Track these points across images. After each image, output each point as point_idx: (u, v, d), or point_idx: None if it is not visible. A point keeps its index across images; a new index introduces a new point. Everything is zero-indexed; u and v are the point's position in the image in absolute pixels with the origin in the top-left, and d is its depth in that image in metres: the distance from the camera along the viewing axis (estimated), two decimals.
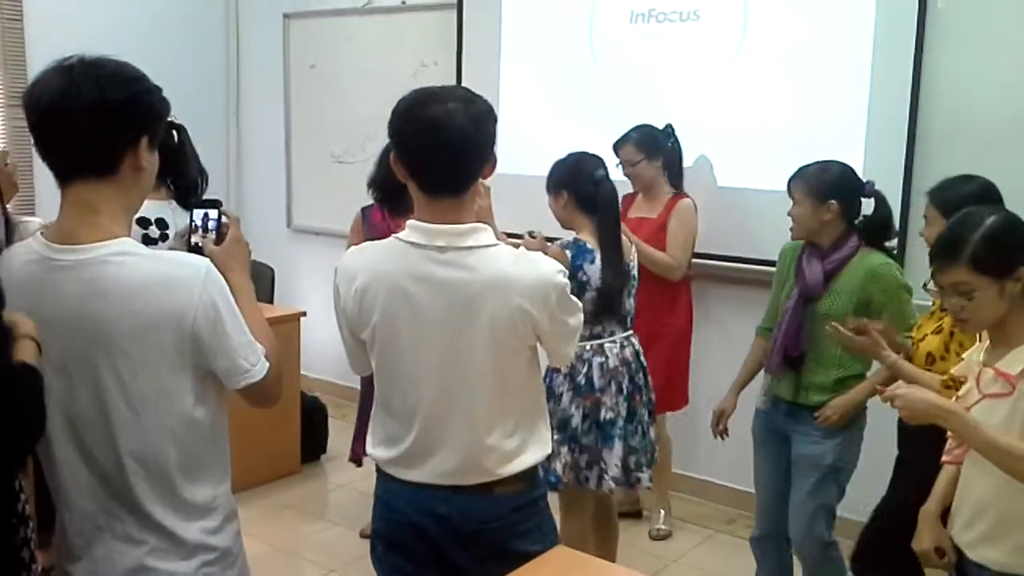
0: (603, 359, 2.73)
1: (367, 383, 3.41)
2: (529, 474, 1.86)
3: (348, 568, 3.47)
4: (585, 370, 2.71)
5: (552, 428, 2.46)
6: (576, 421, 2.70)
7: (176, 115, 5.36)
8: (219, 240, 1.69)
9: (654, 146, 3.49)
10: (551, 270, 1.77)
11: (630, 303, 2.84)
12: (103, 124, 1.44)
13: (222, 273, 1.53)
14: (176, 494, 1.52)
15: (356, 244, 3.44)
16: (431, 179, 1.73)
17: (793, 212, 2.62)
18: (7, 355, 1.40)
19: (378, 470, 1.93)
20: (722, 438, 2.90)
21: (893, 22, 3.36)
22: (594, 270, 2.68)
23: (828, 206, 2.56)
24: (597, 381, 2.71)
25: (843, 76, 3.49)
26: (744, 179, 3.72)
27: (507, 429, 1.80)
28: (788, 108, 3.61)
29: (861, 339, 2.35)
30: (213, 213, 1.71)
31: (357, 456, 3.78)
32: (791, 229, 2.66)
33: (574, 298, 1.83)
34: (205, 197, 1.72)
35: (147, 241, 2.70)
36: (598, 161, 2.79)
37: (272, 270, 4.58)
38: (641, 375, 2.82)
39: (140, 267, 1.45)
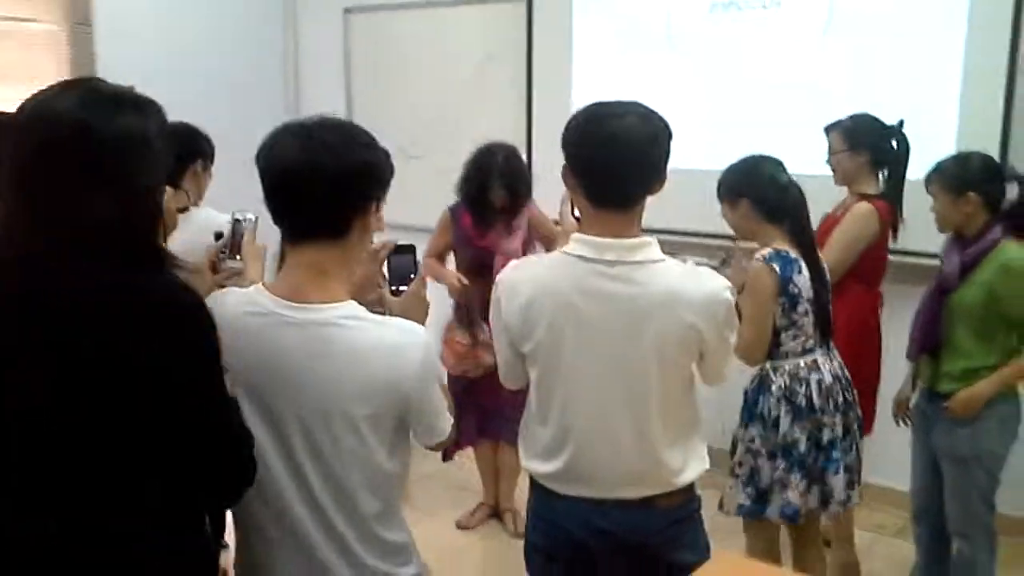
0: (820, 376, 2.51)
1: (454, 380, 3.44)
2: (690, 489, 1.87)
3: (449, 558, 3.49)
4: (804, 390, 2.49)
5: (763, 455, 2.50)
6: (802, 445, 2.49)
7: (235, 113, 5.46)
8: (397, 291, 1.70)
9: (863, 138, 3.07)
10: (720, 286, 1.77)
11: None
12: (341, 190, 1.47)
13: None
14: (377, 538, 1.54)
15: (442, 243, 3.56)
16: (603, 193, 1.73)
17: (934, 208, 2.62)
18: (239, 417, 1.42)
19: (533, 482, 1.94)
20: (905, 423, 2.93)
21: (990, 9, 3.31)
22: (803, 280, 2.46)
23: (967, 198, 2.54)
24: (817, 400, 2.49)
25: (934, 55, 3.45)
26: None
27: (670, 444, 1.81)
28: (877, 92, 3.54)
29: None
30: (406, 260, 1.71)
31: (448, 453, 3.80)
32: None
33: (735, 317, 1.83)
34: (401, 242, 1.70)
35: None
36: (778, 164, 2.56)
37: None
38: (850, 389, 2.61)
39: (368, 332, 1.48)
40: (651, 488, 1.81)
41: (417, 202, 4.81)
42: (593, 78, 4.28)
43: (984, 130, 3.34)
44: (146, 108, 1.35)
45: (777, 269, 2.42)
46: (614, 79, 4.22)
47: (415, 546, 1.65)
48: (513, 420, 2.65)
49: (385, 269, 1.71)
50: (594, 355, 1.75)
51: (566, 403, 1.80)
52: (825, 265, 2.60)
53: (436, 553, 3.43)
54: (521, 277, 1.82)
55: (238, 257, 1.86)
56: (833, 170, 3.16)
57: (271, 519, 1.51)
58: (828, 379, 2.51)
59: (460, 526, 3.71)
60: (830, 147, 3.14)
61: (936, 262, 2.79)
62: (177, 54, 4.84)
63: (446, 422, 1.59)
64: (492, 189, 3.38)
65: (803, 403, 2.48)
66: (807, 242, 2.52)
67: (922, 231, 2.97)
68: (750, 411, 2.55)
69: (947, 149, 3.39)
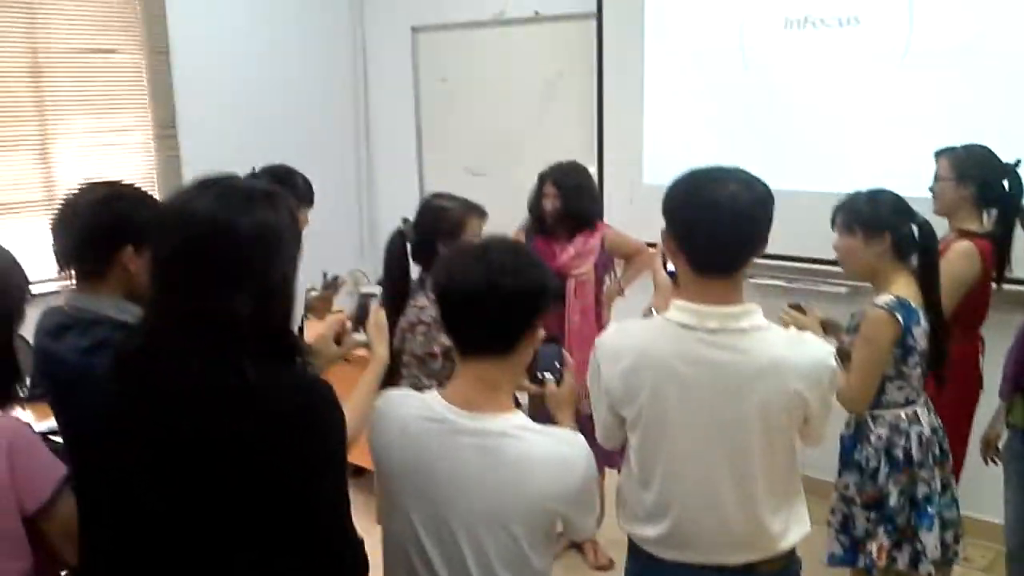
0: (920, 429, 2.44)
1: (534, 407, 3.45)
2: (792, 554, 1.86)
3: None
4: (903, 442, 2.43)
5: (857, 504, 2.47)
6: (893, 499, 2.43)
7: (306, 132, 5.54)
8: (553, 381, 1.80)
9: (972, 170, 2.92)
10: (825, 353, 1.76)
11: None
12: (517, 311, 1.55)
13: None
14: None
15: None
16: (706, 260, 1.73)
17: None
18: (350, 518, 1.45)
19: (632, 545, 1.94)
20: (994, 462, 2.87)
21: None
22: (920, 332, 2.38)
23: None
24: (916, 453, 2.42)
25: (1018, 77, 3.34)
26: (914, 188, 3.61)
27: (774, 509, 1.80)
28: (959, 112, 3.46)
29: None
30: (551, 350, 1.78)
31: None
32: None
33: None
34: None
35: None
36: (905, 204, 2.46)
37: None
38: (945, 440, 2.53)
39: (538, 443, 1.55)
40: (754, 554, 1.81)
41: (490, 220, 4.85)
42: (665, 97, 4.26)
43: None
44: (277, 202, 1.39)
45: (900, 320, 2.34)
46: (687, 96, 4.19)
47: None
48: (600, 454, 2.67)
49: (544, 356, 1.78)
50: (698, 422, 1.75)
51: (669, 469, 1.80)
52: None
53: None
54: (623, 344, 1.82)
55: (361, 330, 1.96)
56: (935, 197, 3.01)
57: None
58: (927, 432, 2.45)
59: None
60: (936, 173, 3.00)
61: None
62: (249, 78, 4.94)
63: (594, 522, 1.67)
64: (543, 191, 3.41)
65: (901, 456, 2.43)
66: (935, 291, 2.43)
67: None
68: (847, 458, 2.50)
69: None
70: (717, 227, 1.69)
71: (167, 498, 1.32)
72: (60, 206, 1.90)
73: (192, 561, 1.34)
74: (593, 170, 4.41)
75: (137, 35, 4.48)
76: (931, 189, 3.00)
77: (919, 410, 2.46)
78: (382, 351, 1.92)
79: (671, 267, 1.92)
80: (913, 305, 2.37)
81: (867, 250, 2.42)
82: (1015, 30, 3.34)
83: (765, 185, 1.74)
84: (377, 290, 2.13)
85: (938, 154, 3.02)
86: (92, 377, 1.47)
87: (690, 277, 1.76)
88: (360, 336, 1.95)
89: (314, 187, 5.26)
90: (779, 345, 1.73)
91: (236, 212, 1.33)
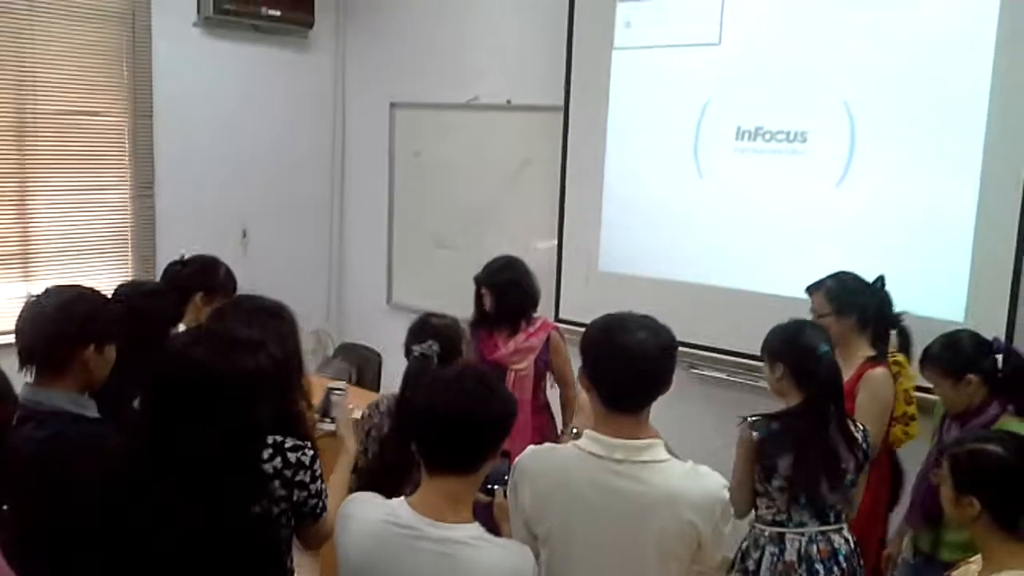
0: (777, 550, 2.53)
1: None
2: None
3: None
4: (756, 556, 2.55)
5: None
6: None
7: (283, 195, 5.68)
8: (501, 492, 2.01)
9: (848, 299, 3.01)
10: (717, 486, 1.92)
11: (836, 495, 2.55)
12: (487, 436, 1.75)
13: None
14: None
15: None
16: (615, 398, 1.90)
17: (937, 393, 2.69)
18: None
19: None
20: None
21: (1002, 151, 3.42)
22: (784, 461, 2.49)
23: (967, 380, 2.61)
24: (764, 572, 2.53)
25: (948, 206, 3.56)
26: None
27: None
28: (890, 235, 3.69)
29: None
30: (503, 464, 1.96)
31: None
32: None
33: (731, 509, 1.97)
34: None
35: None
36: (821, 334, 2.60)
37: (380, 357, 4.78)
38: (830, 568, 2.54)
39: (492, 553, 1.73)
40: None
41: (444, 292, 5.01)
42: (625, 189, 4.46)
43: (995, 287, 3.46)
44: (259, 350, 1.65)
45: (755, 439, 2.51)
46: (645, 193, 4.39)
47: None
48: None
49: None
50: (600, 544, 1.91)
51: None
52: (860, 435, 2.59)
53: None
54: (538, 467, 1.98)
55: (328, 420, 2.30)
56: None
57: None
58: (790, 557, 2.51)
59: None
60: (813, 309, 3.05)
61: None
62: (227, 143, 5.13)
63: None
64: (481, 295, 3.54)
65: (752, 568, 2.55)
66: (829, 417, 2.53)
67: None
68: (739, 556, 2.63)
69: (958, 303, 3.55)
70: (625, 371, 1.88)
71: None
72: (25, 308, 2.05)
73: None
74: (554, 254, 4.65)
75: (123, 99, 4.66)
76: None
77: (789, 534, 2.53)
78: (351, 444, 2.23)
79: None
80: (780, 433, 2.50)
81: (771, 375, 2.61)
82: (946, 167, 3.56)
83: (670, 333, 1.93)
84: (343, 386, 2.42)
85: (809, 290, 3.08)
86: (51, 466, 1.68)
87: (601, 411, 1.93)
88: (327, 425, 2.29)
89: (288, 250, 5.46)
90: (676, 477, 1.89)
91: (223, 361, 1.58)
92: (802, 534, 2.53)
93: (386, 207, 5.52)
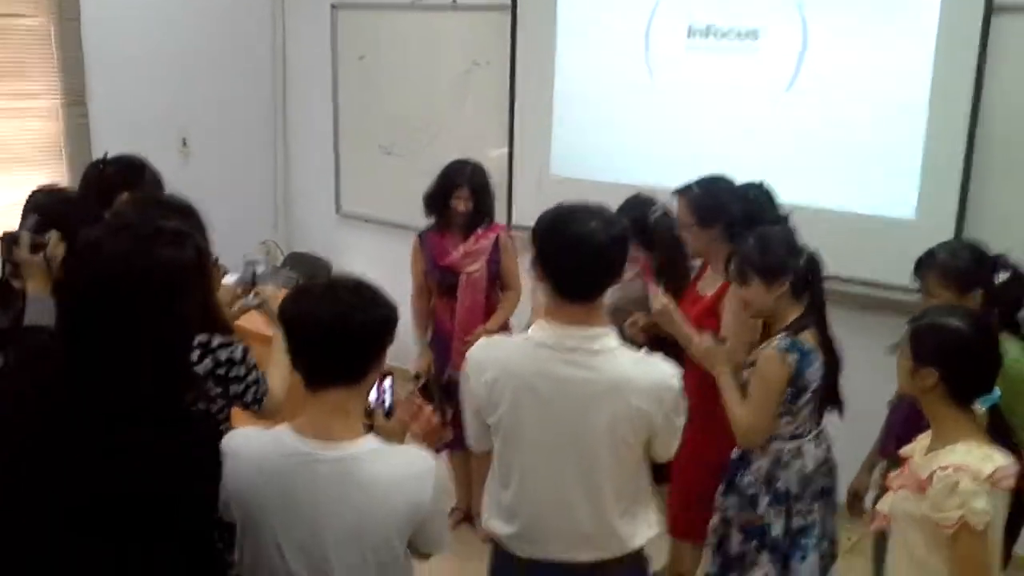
0: (802, 463, 2.45)
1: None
2: (639, 553, 2.05)
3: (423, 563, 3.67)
4: (783, 474, 2.45)
5: (734, 527, 2.52)
6: (776, 529, 2.46)
7: (222, 107, 5.51)
8: (388, 414, 1.91)
9: (712, 211, 2.71)
10: (667, 374, 1.93)
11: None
12: (367, 342, 1.65)
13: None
14: None
15: (419, 272, 3.68)
16: (567, 287, 1.88)
17: (928, 301, 2.43)
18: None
19: (493, 543, 2.10)
20: (860, 516, 2.81)
21: (953, 52, 3.42)
22: (815, 373, 2.39)
23: (972, 296, 2.38)
24: (795, 487, 2.44)
25: (900, 107, 3.56)
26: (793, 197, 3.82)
27: (621, 513, 1.97)
28: (842, 136, 3.69)
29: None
30: (387, 383, 1.90)
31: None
32: None
33: (684, 401, 1.97)
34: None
35: None
36: (794, 240, 2.50)
37: (330, 265, 4.71)
38: (831, 475, 2.54)
39: (391, 463, 1.66)
40: (603, 553, 1.98)
41: (393, 199, 4.95)
42: (575, 90, 4.38)
43: (944, 183, 3.49)
44: (184, 241, 1.53)
45: (791, 363, 2.35)
46: (595, 93, 4.32)
47: None
48: None
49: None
50: (551, 432, 1.92)
51: (524, 473, 1.97)
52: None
53: None
54: (488, 357, 1.98)
55: (251, 295, 2.36)
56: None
57: None
58: (810, 466, 2.46)
59: None
60: (679, 219, 2.81)
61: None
62: (163, 49, 4.91)
63: (447, 537, 1.78)
64: (456, 193, 3.47)
65: (782, 488, 2.45)
66: (826, 327, 2.45)
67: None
68: (730, 480, 2.55)
69: (909, 201, 3.58)
70: (577, 260, 1.86)
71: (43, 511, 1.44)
72: None
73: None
74: (504, 161, 4.58)
75: (47, 1, 4.41)
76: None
77: (805, 445, 2.47)
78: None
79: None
80: (808, 347, 2.38)
81: (767, 293, 2.42)
82: (899, 62, 3.54)
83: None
84: (259, 259, 2.47)
85: (676, 193, 2.80)
86: None
87: (554, 300, 1.91)
88: (250, 300, 2.37)
89: (230, 159, 5.26)
90: (626, 365, 1.90)
91: (143, 253, 1.46)
92: (817, 438, 2.50)
93: (331, 114, 5.36)
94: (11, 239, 2.19)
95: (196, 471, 1.53)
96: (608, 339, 1.90)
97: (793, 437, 2.46)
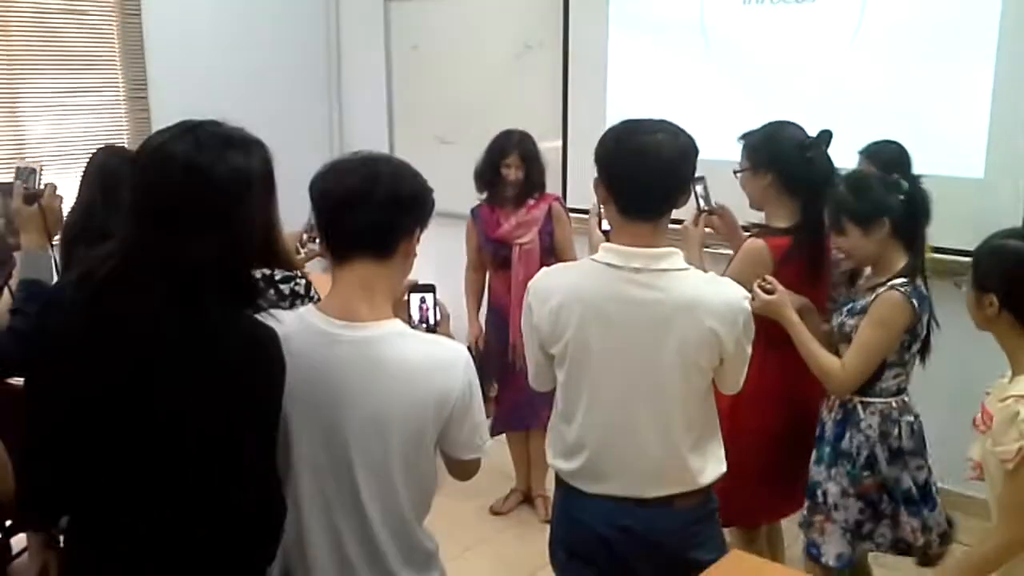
0: (910, 418, 2.36)
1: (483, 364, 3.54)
2: (708, 492, 1.96)
3: (483, 541, 3.60)
4: (896, 431, 2.33)
5: (851, 495, 2.35)
6: (906, 483, 2.34)
7: (279, 99, 5.50)
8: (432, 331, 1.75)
9: (766, 155, 2.53)
10: (739, 295, 1.85)
11: None
12: (395, 213, 1.57)
13: None
14: (415, 548, 1.65)
15: (473, 249, 3.64)
16: (633, 204, 1.82)
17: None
18: (281, 494, 1.54)
19: (558, 480, 2.03)
20: None
21: (1021, 16, 3.31)
22: (926, 320, 2.31)
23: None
24: (908, 443, 2.34)
25: (965, 62, 3.45)
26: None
27: (691, 445, 1.89)
28: (906, 94, 3.58)
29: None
30: (429, 299, 1.77)
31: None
32: None
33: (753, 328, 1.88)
34: (421, 282, 1.76)
35: None
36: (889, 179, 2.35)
37: None
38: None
39: (417, 348, 1.58)
40: (672, 487, 1.90)
41: (450, 189, 4.88)
42: (629, 66, 4.34)
43: (1014, 138, 3.36)
44: (251, 149, 1.47)
45: (916, 305, 2.25)
46: (649, 68, 4.27)
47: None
48: (542, 409, 2.75)
49: (415, 305, 1.76)
50: (620, 357, 1.84)
51: (592, 402, 1.89)
52: None
53: (471, 537, 3.59)
54: (551, 283, 1.91)
55: (317, 240, 2.32)
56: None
57: (314, 528, 1.60)
58: (915, 420, 2.37)
59: (493, 511, 3.83)
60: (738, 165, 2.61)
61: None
62: (220, 43, 4.98)
63: (484, 438, 1.67)
64: (505, 161, 3.44)
65: (896, 445, 2.33)
66: (922, 263, 2.33)
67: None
68: (835, 445, 2.37)
69: (978, 157, 3.45)
70: (642, 174, 1.79)
71: (113, 430, 1.40)
72: None
73: (129, 492, 1.42)
74: (559, 142, 4.55)
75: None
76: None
77: (907, 399, 2.38)
78: None
79: (606, 226, 2.02)
80: (925, 292, 2.29)
81: (868, 242, 2.30)
82: (964, 15, 3.44)
83: (690, 137, 1.84)
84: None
85: (741, 139, 2.62)
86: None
87: (618, 221, 1.85)
88: (315, 246, 2.39)
89: (286, 153, 5.26)
90: (696, 285, 1.83)
91: (210, 158, 1.40)
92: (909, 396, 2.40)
93: (385, 105, 5.39)
94: (4, 190, 2.13)
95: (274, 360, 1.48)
96: (676, 258, 1.83)
97: (899, 391, 2.36)
